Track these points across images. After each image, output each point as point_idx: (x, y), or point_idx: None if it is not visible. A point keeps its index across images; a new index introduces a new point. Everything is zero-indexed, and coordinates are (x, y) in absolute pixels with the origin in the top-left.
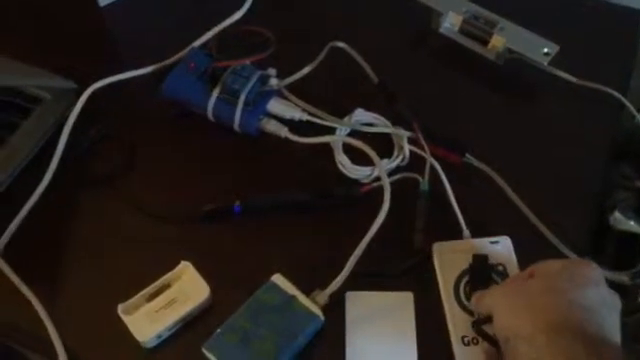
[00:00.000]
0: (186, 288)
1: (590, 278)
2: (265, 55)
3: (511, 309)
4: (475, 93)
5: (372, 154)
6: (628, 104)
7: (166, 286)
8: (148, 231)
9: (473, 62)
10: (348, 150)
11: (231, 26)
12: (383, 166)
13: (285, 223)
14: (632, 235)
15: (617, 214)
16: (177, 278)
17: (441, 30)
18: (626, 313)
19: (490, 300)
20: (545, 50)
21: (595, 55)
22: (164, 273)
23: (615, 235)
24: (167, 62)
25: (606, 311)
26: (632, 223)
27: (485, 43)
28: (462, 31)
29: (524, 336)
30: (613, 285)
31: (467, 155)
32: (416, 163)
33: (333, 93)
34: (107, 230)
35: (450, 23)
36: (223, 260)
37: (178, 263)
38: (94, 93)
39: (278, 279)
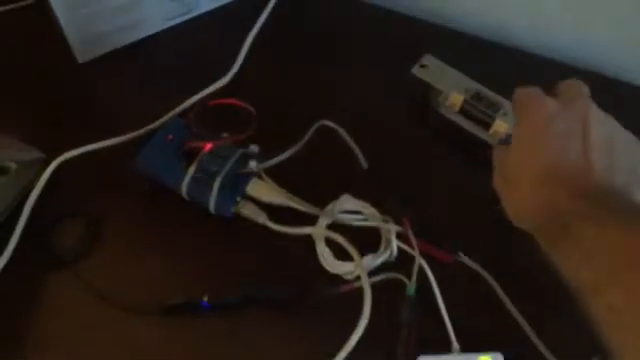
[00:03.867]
0: None
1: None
2: (245, 136)
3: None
4: (475, 183)
5: (352, 251)
6: None
7: None
8: (109, 322)
9: (474, 146)
10: (331, 241)
11: (213, 95)
12: (365, 265)
13: (257, 321)
14: None
15: None
16: None
17: (440, 109)
18: None
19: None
20: None
21: None
22: None
23: None
24: (142, 131)
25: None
26: None
27: (487, 126)
28: (462, 112)
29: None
30: None
31: (460, 254)
32: (403, 260)
33: (318, 176)
34: (66, 318)
35: (450, 102)
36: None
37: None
38: (62, 163)
39: None
